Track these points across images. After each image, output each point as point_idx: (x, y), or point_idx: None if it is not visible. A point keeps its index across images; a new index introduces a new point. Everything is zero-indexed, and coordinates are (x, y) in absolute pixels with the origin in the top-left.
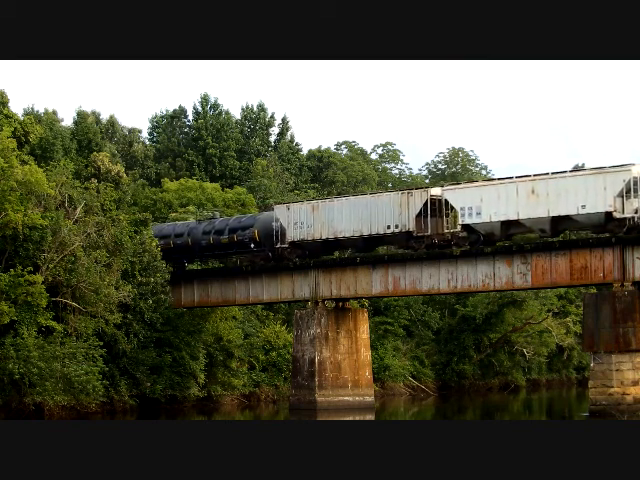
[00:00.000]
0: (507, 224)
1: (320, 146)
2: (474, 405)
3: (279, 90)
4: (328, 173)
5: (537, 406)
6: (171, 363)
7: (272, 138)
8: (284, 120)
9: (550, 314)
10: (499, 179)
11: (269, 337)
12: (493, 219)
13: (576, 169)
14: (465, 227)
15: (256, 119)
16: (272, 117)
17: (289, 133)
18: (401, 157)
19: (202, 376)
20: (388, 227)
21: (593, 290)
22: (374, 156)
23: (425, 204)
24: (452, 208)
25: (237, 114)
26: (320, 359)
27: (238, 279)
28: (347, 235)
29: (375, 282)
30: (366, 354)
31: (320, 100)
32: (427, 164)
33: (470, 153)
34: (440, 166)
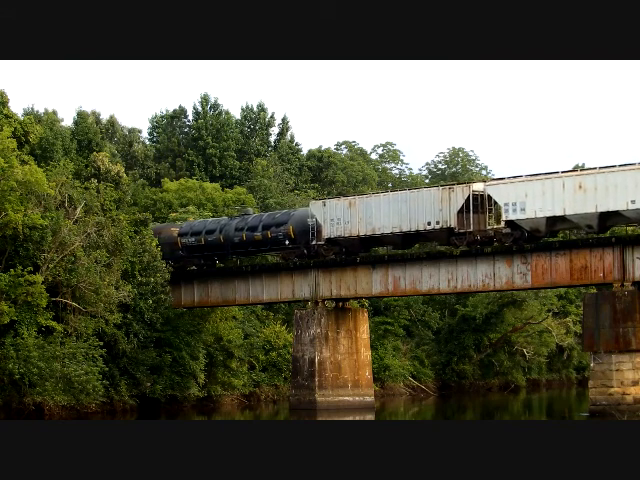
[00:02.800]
0: (553, 220)
1: (320, 146)
2: (474, 405)
3: (279, 90)
4: (328, 173)
5: (537, 406)
6: (171, 363)
7: (272, 138)
8: (284, 120)
9: (550, 314)
10: (544, 174)
11: (269, 337)
12: (538, 215)
13: (575, 168)
14: (509, 223)
15: (256, 119)
16: (272, 117)
17: (289, 133)
18: (401, 157)
19: (202, 376)
20: (428, 223)
21: (593, 290)
22: (374, 156)
23: (467, 200)
24: (495, 204)
25: (237, 114)
26: (320, 359)
27: (238, 279)
28: (386, 231)
29: (375, 282)
30: (366, 354)
31: (320, 100)
32: (427, 164)
33: (470, 153)
34: (440, 166)
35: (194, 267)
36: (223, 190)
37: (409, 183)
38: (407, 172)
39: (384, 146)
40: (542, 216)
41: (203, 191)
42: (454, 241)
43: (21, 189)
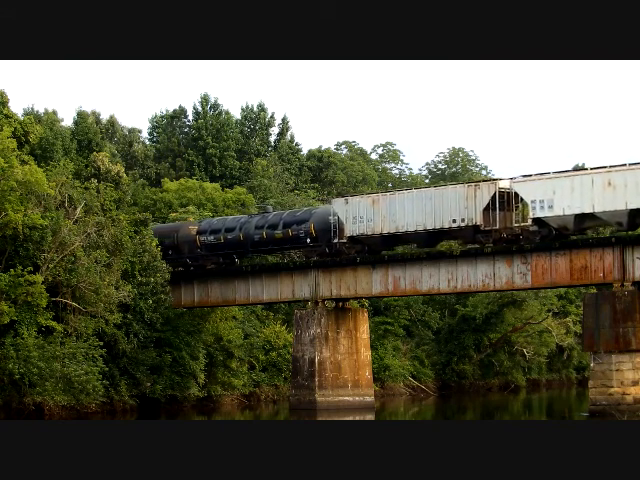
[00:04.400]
0: (581, 217)
1: (320, 146)
2: (474, 405)
3: (279, 90)
4: (328, 173)
5: (537, 406)
6: (171, 363)
7: (272, 138)
8: (284, 120)
9: (550, 314)
10: (573, 170)
11: (269, 337)
12: (566, 212)
13: (576, 169)
14: (536, 221)
15: (256, 119)
16: (272, 117)
17: (289, 133)
18: (401, 157)
19: (202, 376)
20: (454, 221)
21: (593, 290)
22: (374, 156)
23: (493, 197)
24: (522, 201)
25: (237, 114)
26: (320, 359)
27: (238, 279)
28: (410, 229)
29: (375, 282)
30: (366, 354)
31: (320, 100)
32: (427, 164)
33: (470, 153)
34: (440, 166)
35: (213, 265)
36: (223, 190)
37: (409, 183)
38: (407, 172)
39: (384, 146)
40: (570, 213)
41: (203, 191)
42: (480, 239)
43: (21, 189)
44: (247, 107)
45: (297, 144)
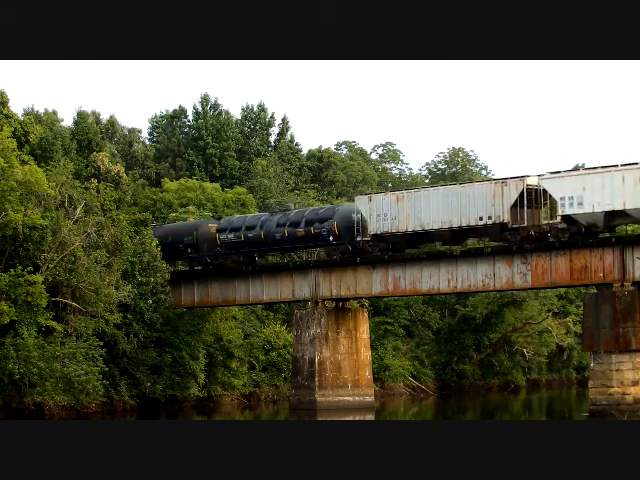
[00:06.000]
0: (611, 215)
1: (320, 146)
2: (474, 405)
3: (279, 90)
4: (328, 173)
5: (537, 406)
6: (171, 363)
7: (272, 138)
8: (284, 120)
9: (550, 314)
10: (603, 167)
11: (269, 337)
12: (596, 209)
13: (576, 168)
14: (565, 218)
15: (256, 119)
16: (272, 117)
17: (289, 133)
18: (401, 157)
19: (202, 376)
20: (480, 218)
21: (593, 290)
22: (374, 156)
23: (521, 194)
24: (550, 198)
25: (237, 114)
26: (320, 359)
27: (238, 279)
28: (435, 227)
29: (375, 282)
30: (366, 354)
31: (320, 100)
32: (427, 164)
33: (470, 153)
34: (440, 166)
35: (233, 264)
36: (223, 190)
37: (409, 183)
38: (407, 172)
39: (384, 146)
40: (600, 211)
41: (203, 191)
42: (507, 236)
43: (21, 189)
44: (247, 107)
45: (297, 144)
